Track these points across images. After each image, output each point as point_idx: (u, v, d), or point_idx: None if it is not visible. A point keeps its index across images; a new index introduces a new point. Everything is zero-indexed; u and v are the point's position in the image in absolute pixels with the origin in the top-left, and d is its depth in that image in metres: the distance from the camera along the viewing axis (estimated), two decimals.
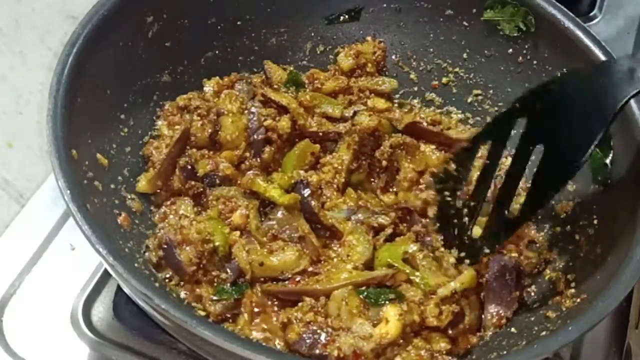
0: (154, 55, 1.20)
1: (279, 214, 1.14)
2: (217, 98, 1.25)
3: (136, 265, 1.02)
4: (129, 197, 1.12)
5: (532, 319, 1.05)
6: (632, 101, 1.06)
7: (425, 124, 1.28)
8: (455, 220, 1.13)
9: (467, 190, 1.14)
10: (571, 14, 1.18)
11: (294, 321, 1.02)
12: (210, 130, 1.20)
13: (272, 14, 1.32)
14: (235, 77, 1.31)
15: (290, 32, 1.35)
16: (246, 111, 1.23)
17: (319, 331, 1.00)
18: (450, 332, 1.07)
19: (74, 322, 1.18)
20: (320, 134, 1.24)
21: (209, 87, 1.27)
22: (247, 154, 1.22)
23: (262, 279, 1.11)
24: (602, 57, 1.13)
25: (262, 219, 1.15)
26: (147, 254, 1.07)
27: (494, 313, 1.09)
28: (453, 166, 1.14)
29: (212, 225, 1.08)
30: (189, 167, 1.17)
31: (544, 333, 0.99)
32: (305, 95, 1.27)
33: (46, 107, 0.98)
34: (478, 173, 1.11)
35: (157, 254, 1.07)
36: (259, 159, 1.21)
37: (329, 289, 1.06)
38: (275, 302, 1.09)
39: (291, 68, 1.35)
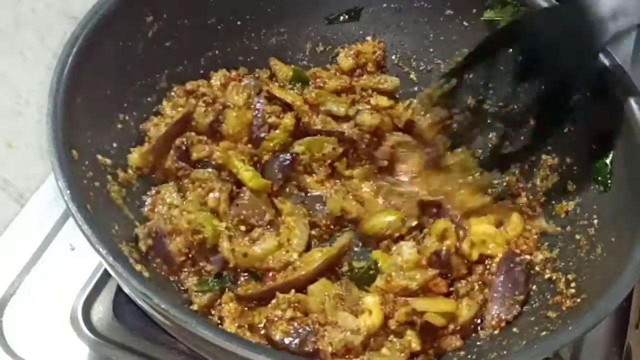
0: (154, 55, 1.20)
1: (247, 198, 1.13)
2: (224, 90, 1.25)
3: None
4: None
5: (533, 319, 1.05)
6: (632, 101, 1.07)
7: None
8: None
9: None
10: None
11: (275, 319, 1.01)
12: (212, 118, 1.19)
13: (272, 14, 1.32)
14: (243, 71, 1.30)
15: (290, 32, 1.35)
16: (252, 106, 1.22)
17: (307, 328, 0.99)
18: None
19: (73, 322, 1.18)
20: (324, 132, 1.24)
21: (216, 79, 1.26)
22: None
23: (247, 271, 1.10)
24: (602, 57, 1.13)
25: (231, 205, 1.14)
26: (137, 243, 1.05)
27: (495, 315, 1.09)
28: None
29: (202, 216, 1.08)
30: (184, 148, 1.16)
31: (544, 333, 0.99)
32: (311, 93, 1.27)
33: (46, 107, 0.98)
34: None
35: (147, 243, 1.05)
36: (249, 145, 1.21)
37: (311, 272, 1.06)
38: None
39: (293, 66, 1.35)
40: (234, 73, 1.29)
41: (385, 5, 1.35)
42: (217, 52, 1.30)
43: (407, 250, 1.14)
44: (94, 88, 1.08)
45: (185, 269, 1.07)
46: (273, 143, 1.22)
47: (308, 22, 1.36)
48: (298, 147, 1.23)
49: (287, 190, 1.23)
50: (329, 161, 1.25)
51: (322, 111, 1.26)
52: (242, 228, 1.12)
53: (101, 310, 1.20)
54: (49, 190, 1.35)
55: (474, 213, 1.21)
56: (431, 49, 1.35)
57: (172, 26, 1.21)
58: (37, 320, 1.19)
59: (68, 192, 0.92)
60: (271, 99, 1.26)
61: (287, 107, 1.25)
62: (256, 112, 1.22)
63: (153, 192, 1.14)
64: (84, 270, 1.23)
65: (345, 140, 1.25)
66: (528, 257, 1.15)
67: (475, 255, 1.14)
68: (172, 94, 1.22)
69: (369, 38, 1.37)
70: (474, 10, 1.27)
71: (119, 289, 1.20)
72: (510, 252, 1.14)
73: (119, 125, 1.15)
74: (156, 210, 1.11)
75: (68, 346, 1.16)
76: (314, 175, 1.24)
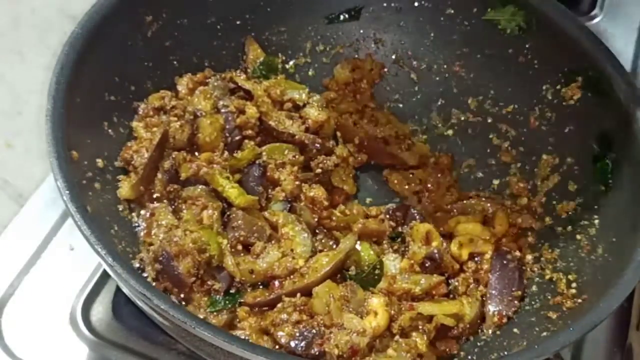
0: (153, 55, 1.20)
1: (240, 218, 1.11)
2: (191, 95, 1.22)
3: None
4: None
5: (533, 319, 1.05)
6: (632, 101, 1.07)
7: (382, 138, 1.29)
8: None
9: None
10: (572, 13, 1.18)
11: (280, 323, 1.00)
12: (188, 133, 1.16)
13: (272, 14, 1.32)
14: (208, 72, 1.27)
15: (290, 31, 1.35)
16: (221, 110, 1.20)
17: (313, 330, 0.98)
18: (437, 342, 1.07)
19: (73, 322, 1.18)
20: (275, 132, 1.21)
21: (182, 85, 1.23)
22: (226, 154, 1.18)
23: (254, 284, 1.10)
24: (603, 57, 1.13)
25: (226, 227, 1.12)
26: (144, 270, 1.04)
27: (495, 312, 1.09)
28: None
29: (206, 234, 1.06)
30: (173, 170, 1.13)
31: (545, 333, 0.99)
32: (273, 85, 1.26)
33: (45, 107, 0.97)
34: None
35: (155, 268, 1.03)
36: (227, 154, 1.17)
37: (319, 279, 1.05)
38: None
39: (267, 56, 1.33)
40: (199, 75, 1.26)
41: (385, 4, 1.34)
42: (216, 51, 1.29)
43: (391, 263, 1.14)
44: (93, 88, 1.08)
45: (195, 290, 1.05)
46: (242, 162, 1.18)
47: (308, 22, 1.36)
48: (264, 155, 1.20)
49: (272, 198, 1.19)
50: (295, 168, 1.20)
51: (285, 104, 1.25)
52: (239, 247, 1.10)
53: (100, 310, 1.20)
54: (48, 190, 1.35)
55: (444, 210, 1.23)
56: (431, 49, 1.35)
57: (171, 26, 1.21)
58: (36, 320, 1.18)
59: (67, 192, 0.91)
60: (235, 91, 1.25)
61: (250, 97, 1.23)
62: (225, 115, 1.19)
63: (147, 215, 1.10)
64: (83, 270, 1.23)
65: (296, 143, 1.22)
66: (518, 253, 1.15)
67: (465, 255, 1.15)
68: (142, 111, 1.17)
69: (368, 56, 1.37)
70: (475, 10, 1.27)
71: (118, 290, 1.20)
72: (501, 250, 1.14)
73: (119, 127, 1.14)
74: (153, 233, 1.07)
75: (67, 347, 1.16)
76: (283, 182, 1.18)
